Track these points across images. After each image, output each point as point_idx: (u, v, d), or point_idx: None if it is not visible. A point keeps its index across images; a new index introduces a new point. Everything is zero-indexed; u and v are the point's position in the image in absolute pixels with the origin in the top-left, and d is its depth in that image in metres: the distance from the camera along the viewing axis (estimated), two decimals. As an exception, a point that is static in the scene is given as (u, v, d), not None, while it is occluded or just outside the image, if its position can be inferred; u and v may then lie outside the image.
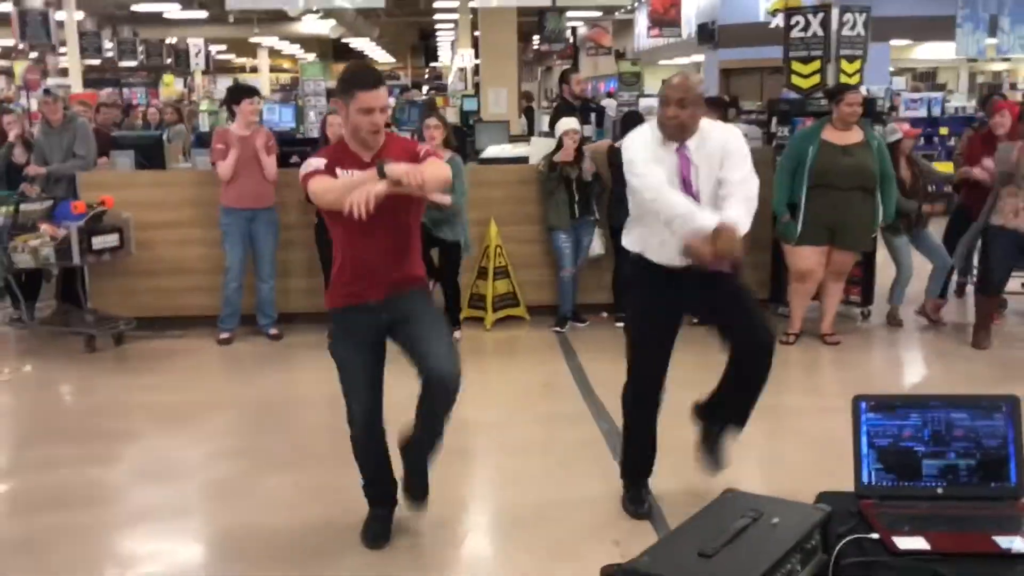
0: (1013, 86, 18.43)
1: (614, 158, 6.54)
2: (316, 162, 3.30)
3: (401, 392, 3.39)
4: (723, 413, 3.67)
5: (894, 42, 15.49)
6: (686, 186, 3.44)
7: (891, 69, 16.21)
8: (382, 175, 3.04)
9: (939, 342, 6.46)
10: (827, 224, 5.96)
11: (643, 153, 3.45)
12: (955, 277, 7.45)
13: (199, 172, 6.89)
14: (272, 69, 31.51)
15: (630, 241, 3.66)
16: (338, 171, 3.24)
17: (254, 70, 30.92)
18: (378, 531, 3.58)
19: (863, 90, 6.68)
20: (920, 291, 6.74)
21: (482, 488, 4.26)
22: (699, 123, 3.47)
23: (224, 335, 6.44)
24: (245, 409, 5.29)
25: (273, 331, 6.53)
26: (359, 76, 3.25)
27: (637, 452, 3.78)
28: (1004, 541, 1.86)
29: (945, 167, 6.94)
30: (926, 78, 21.00)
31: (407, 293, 3.41)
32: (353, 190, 3.05)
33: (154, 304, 6.67)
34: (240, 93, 6.51)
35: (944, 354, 6.26)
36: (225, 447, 4.69)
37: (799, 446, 4.00)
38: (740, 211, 3.33)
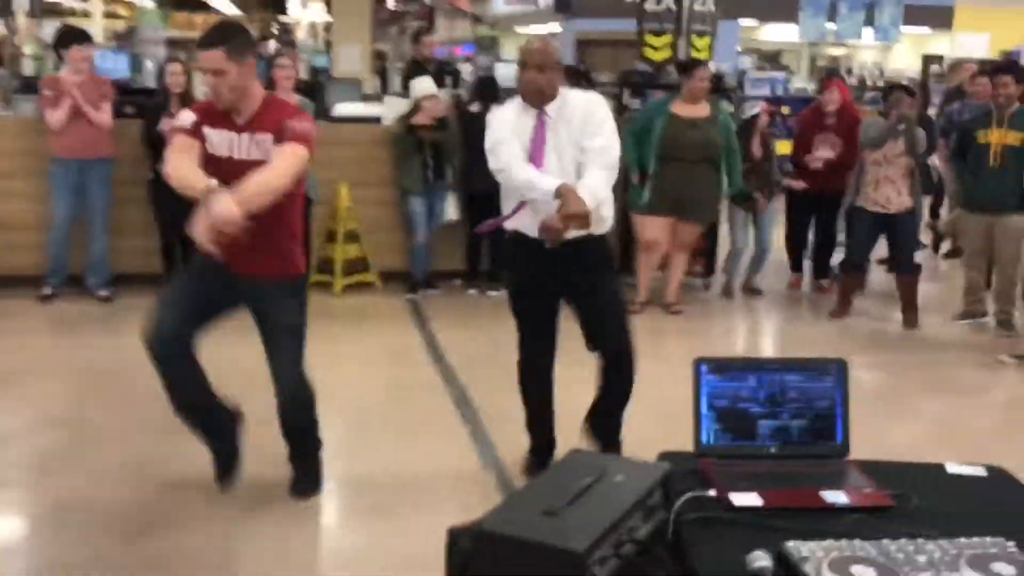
0: (849, 71, 19.47)
1: (464, 119, 6.49)
2: (186, 117, 3.26)
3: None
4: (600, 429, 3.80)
5: (743, 22, 16.04)
6: (535, 149, 3.44)
7: (739, 48, 16.80)
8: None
9: (779, 310, 6.79)
10: (673, 196, 6.12)
11: (500, 130, 3.45)
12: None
13: (22, 120, 6.39)
14: (107, 15, 29.51)
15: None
16: (206, 130, 3.21)
17: (86, 15, 28.88)
18: (220, 468, 3.54)
19: (713, 67, 6.89)
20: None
21: (330, 456, 4.16)
22: (558, 89, 3.48)
23: (47, 291, 6.06)
24: (71, 375, 4.97)
25: (103, 292, 6.17)
26: (201, 35, 3.22)
27: (537, 429, 3.82)
28: (830, 496, 1.95)
29: (784, 146, 7.25)
30: (771, 59, 21.90)
31: (264, 284, 3.31)
32: (184, 187, 3.09)
33: (-30, 262, 6.17)
34: (69, 38, 6.11)
35: (784, 321, 6.59)
36: (49, 415, 4.38)
37: (644, 410, 4.10)
38: (598, 178, 3.37)
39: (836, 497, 1.91)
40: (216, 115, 3.25)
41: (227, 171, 3.13)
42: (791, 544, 1.67)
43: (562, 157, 3.45)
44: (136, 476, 3.71)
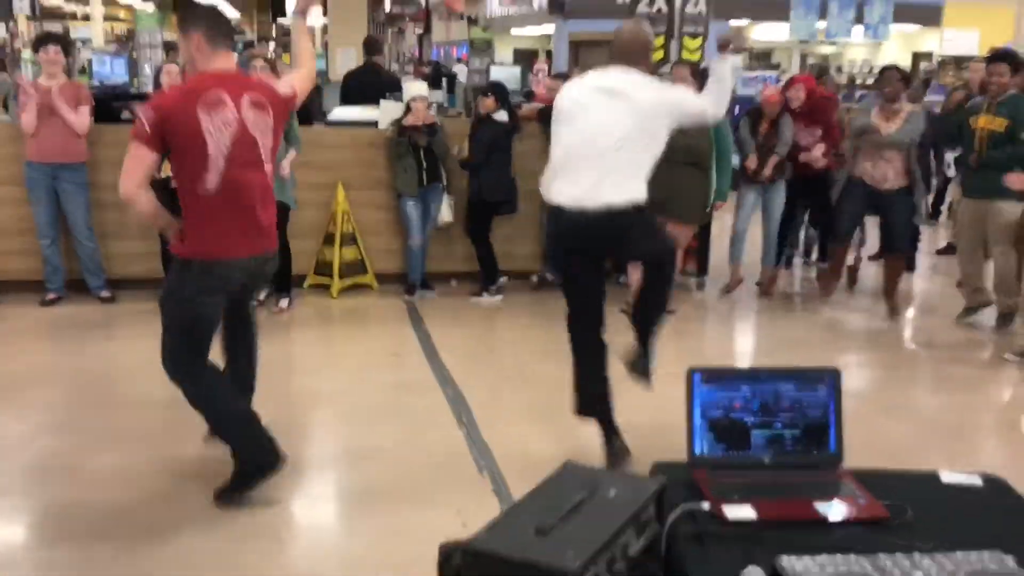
0: (839, 68, 19.43)
1: (486, 125, 6.43)
2: None
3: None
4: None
5: (734, 21, 16.00)
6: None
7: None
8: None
9: (770, 309, 6.79)
10: (658, 197, 6.09)
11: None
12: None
13: (16, 126, 6.37)
14: (107, 18, 29.37)
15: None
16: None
17: (86, 18, 28.77)
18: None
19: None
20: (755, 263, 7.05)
21: (325, 458, 4.17)
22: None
23: (49, 296, 6.12)
24: (70, 380, 4.97)
25: (104, 294, 6.20)
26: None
27: (583, 384, 4.00)
28: (823, 507, 1.95)
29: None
30: (763, 58, 21.88)
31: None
32: None
33: (-34, 268, 6.16)
34: (39, 42, 6.15)
35: (775, 321, 6.58)
36: (49, 422, 4.38)
37: (636, 413, 4.10)
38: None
39: (830, 509, 1.91)
40: None
41: None
42: (785, 559, 1.66)
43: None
44: (134, 482, 3.70)
